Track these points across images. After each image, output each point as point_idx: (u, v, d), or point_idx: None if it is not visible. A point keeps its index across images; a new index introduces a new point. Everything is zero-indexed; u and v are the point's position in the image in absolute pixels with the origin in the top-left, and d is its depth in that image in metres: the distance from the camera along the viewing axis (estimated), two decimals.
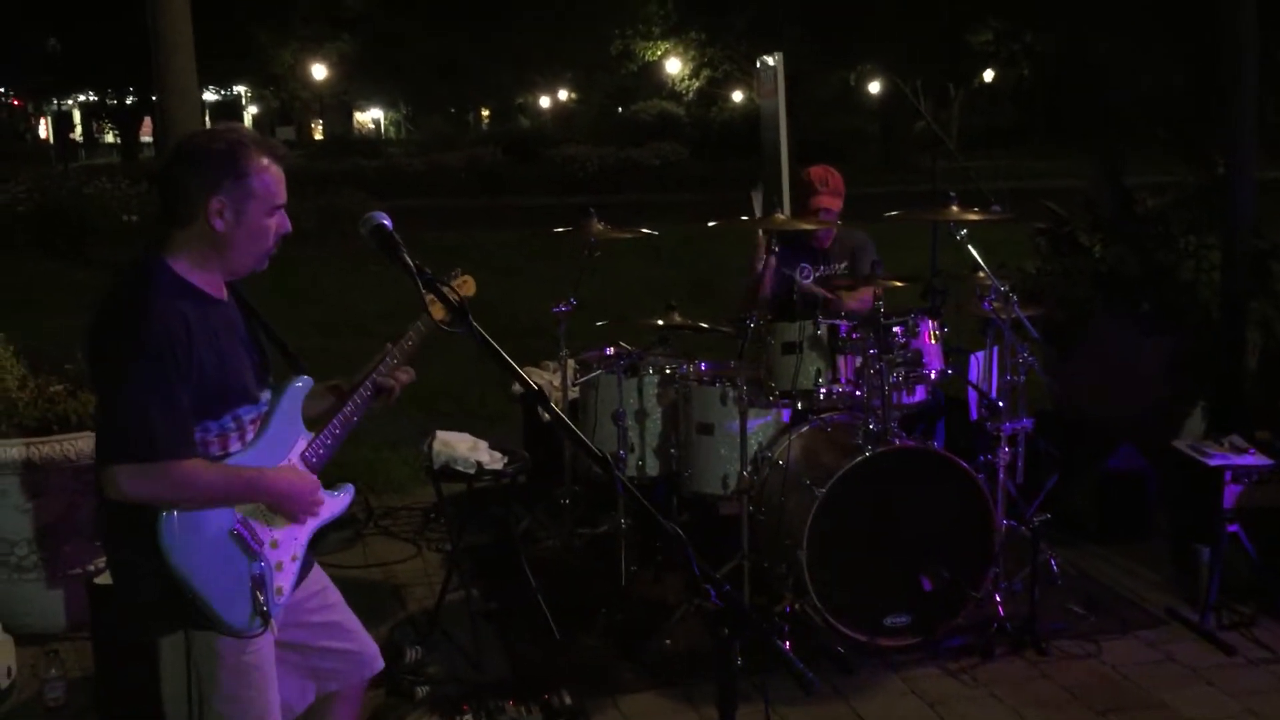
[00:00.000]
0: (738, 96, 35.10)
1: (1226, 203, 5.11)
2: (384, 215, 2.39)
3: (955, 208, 4.29)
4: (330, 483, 2.70)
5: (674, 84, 35.62)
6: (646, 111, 33.92)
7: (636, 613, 4.34)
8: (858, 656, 4.07)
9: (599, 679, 3.96)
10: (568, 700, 3.68)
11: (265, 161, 2.49)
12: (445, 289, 2.27)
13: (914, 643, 4.15)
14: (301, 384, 2.64)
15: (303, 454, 2.61)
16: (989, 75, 38.35)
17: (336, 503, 2.71)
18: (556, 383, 5.16)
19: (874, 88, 36.37)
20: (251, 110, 45.43)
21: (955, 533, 4.17)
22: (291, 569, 2.58)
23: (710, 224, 5.23)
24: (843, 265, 5.11)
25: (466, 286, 3.08)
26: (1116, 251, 5.55)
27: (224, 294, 2.57)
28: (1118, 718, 3.75)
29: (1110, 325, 5.64)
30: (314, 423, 2.68)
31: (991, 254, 4.54)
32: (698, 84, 35.34)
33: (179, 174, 2.48)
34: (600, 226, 4.84)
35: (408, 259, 2.31)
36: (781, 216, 4.54)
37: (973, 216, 4.30)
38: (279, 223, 2.54)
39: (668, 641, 4.13)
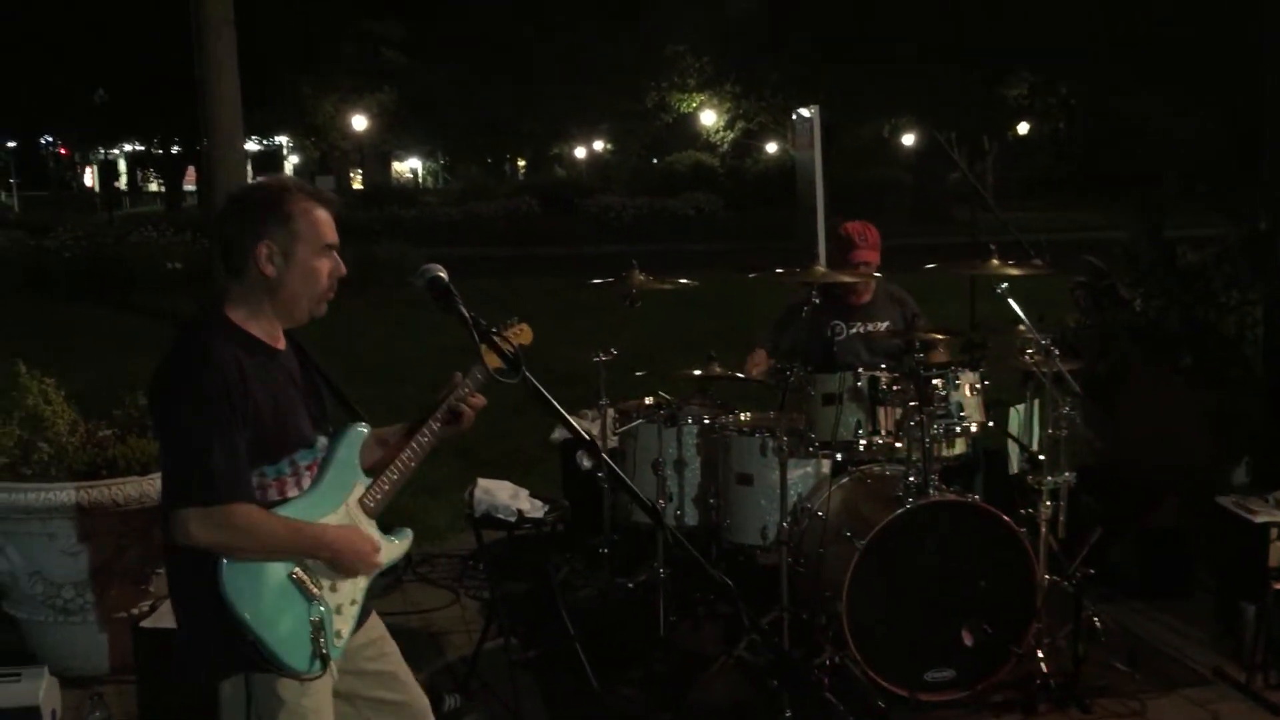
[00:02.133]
0: (772, 148, 35.34)
1: (1269, 257, 5.10)
2: (439, 267, 2.44)
3: (995, 260, 4.31)
4: (385, 527, 2.73)
5: (709, 135, 35.92)
6: (681, 162, 34.21)
7: (675, 663, 4.33)
8: (898, 711, 4.04)
9: None
10: None
11: (310, 204, 2.55)
12: (499, 339, 2.31)
13: (956, 698, 4.11)
14: (359, 431, 2.69)
15: (360, 500, 2.65)
16: (1024, 128, 38.43)
17: (396, 549, 2.75)
18: (596, 432, 5.19)
19: (908, 139, 36.50)
20: (293, 160, 46.17)
21: (997, 587, 4.15)
22: (351, 612, 2.62)
23: (751, 275, 5.26)
24: (884, 324, 5.11)
25: (523, 335, 3.10)
26: (1158, 305, 5.54)
27: (282, 343, 2.62)
28: None
29: (1151, 380, 5.61)
30: (371, 469, 2.71)
31: (1030, 306, 4.54)
32: (733, 135, 35.61)
33: (228, 225, 2.56)
34: (642, 277, 4.88)
35: (464, 310, 2.35)
36: (821, 269, 4.57)
37: (1013, 270, 4.31)
38: (332, 265, 2.59)
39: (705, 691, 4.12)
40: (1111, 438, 5.68)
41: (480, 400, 2.78)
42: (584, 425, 5.69)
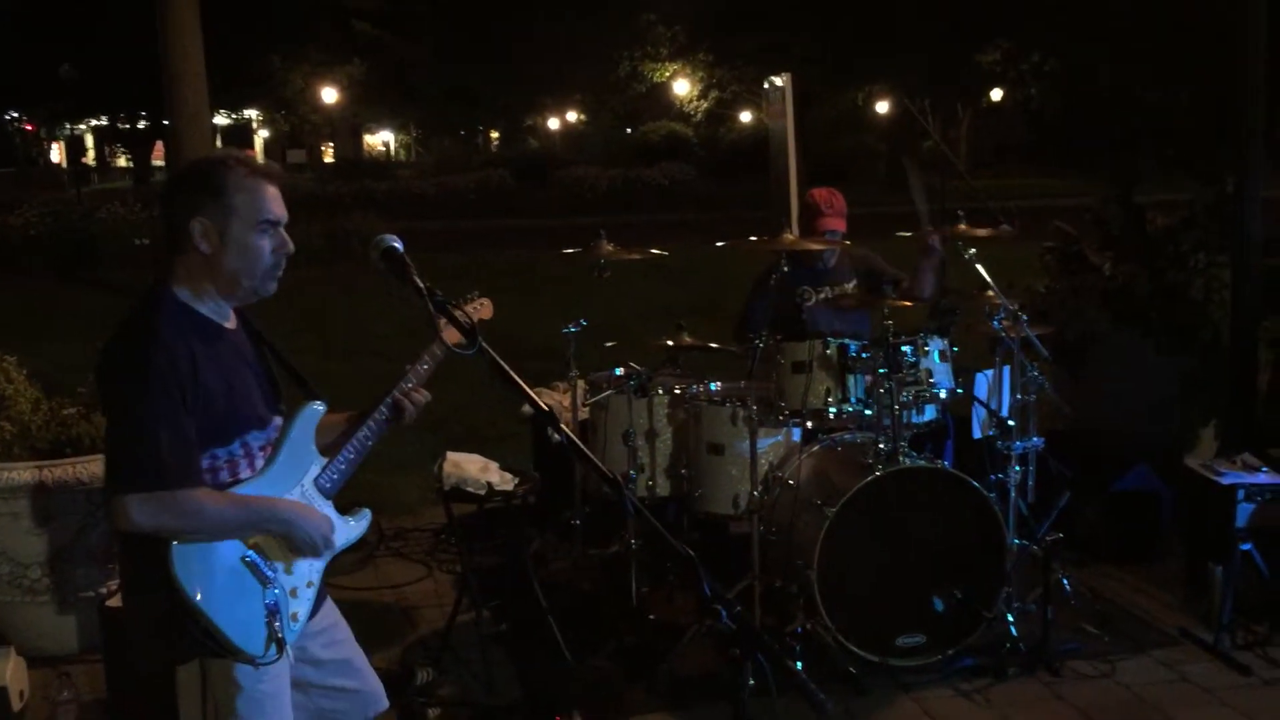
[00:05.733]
0: (746, 117, 35.23)
1: (1236, 221, 5.11)
2: (395, 238, 2.40)
3: (963, 226, 4.30)
4: (344, 507, 2.70)
5: (682, 105, 35.77)
6: (655, 132, 34.07)
7: (648, 634, 4.33)
8: (870, 677, 4.06)
9: (610, 701, 3.95)
10: None
11: (249, 178, 2.45)
12: (457, 312, 2.27)
13: (927, 663, 4.13)
14: (313, 410, 2.63)
15: (316, 479, 2.61)
16: (997, 95, 38.43)
17: (353, 529, 2.70)
18: (566, 403, 5.17)
19: (882, 107, 36.45)
20: (263, 134, 45.70)
21: (967, 552, 4.16)
22: (307, 595, 2.58)
23: (719, 244, 5.24)
24: (851, 284, 5.12)
25: (484, 309, 3.07)
26: (1126, 270, 5.55)
27: (231, 322, 2.56)
28: None
29: (1121, 344, 5.63)
30: (328, 449, 2.67)
31: (1001, 273, 4.54)
32: (706, 105, 35.49)
33: (166, 201, 2.49)
34: (610, 247, 4.85)
35: (419, 282, 2.31)
36: (790, 236, 4.55)
37: (981, 234, 4.30)
38: (277, 242, 2.50)
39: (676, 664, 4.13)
40: (1081, 402, 5.70)
41: (423, 396, 2.72)
42: (556, 397, 5.69)
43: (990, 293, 4.42)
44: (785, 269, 4.61)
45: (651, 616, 4.47)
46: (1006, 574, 4.20)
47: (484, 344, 2.18)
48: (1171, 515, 5.09)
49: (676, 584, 4.72)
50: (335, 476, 2.63)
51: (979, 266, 4.31)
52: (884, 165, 32.75)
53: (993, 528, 4.17)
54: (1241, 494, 4.44)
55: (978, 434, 4.76)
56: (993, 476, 4.40)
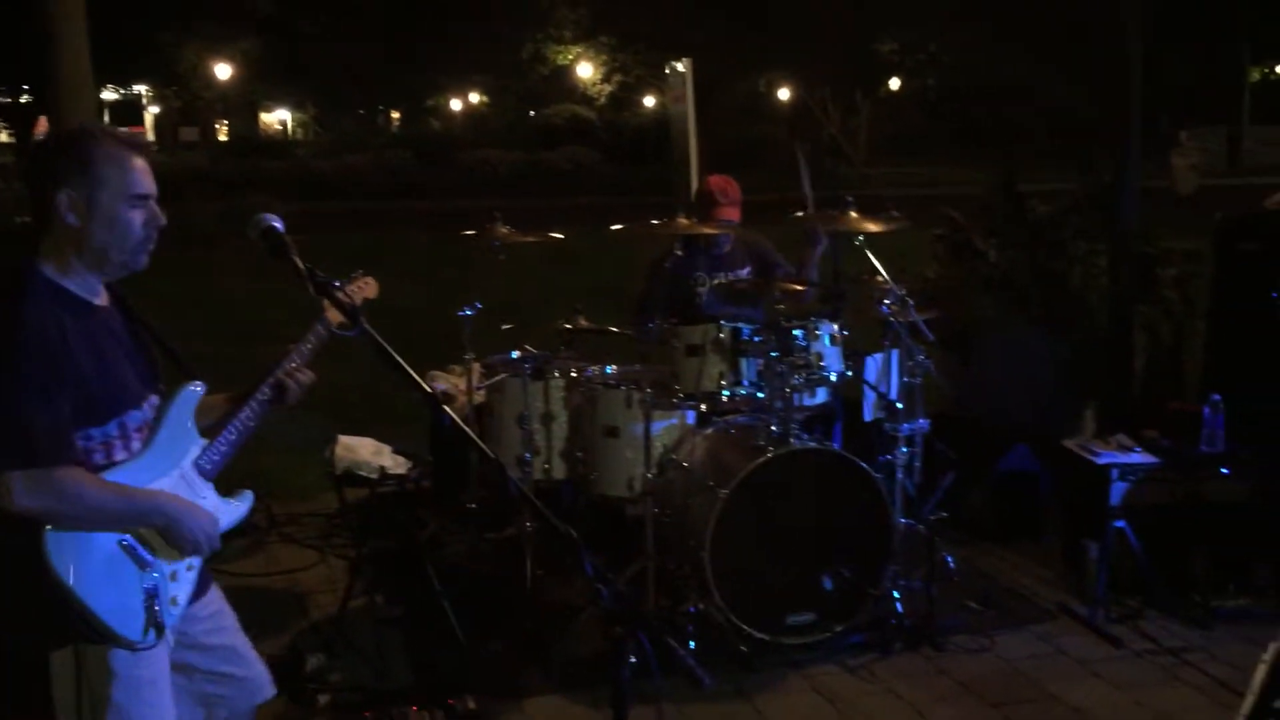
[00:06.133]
0: (650, 102, 35.28)
1: (1113, 210, 5.29)
2: (275, 217, 2.36)
3: (853, 214, 4.38)
4: (230, 489, 2.65)
5: (586, 88, 35.67)
6: (558, 115, 33.93)
7: (542, 617, 4.34)
8: (761, 655, 4.13)
9: (504, 683, 3.95)
10: (472, 705, 3.67)
11: (115, 150, 2.39)
12: (340, 292, 2.25)
13: (816, 640, 4.22)
14: (191, 390, 2.57)
15: (196, 461, 2.56)
16: (896, 84, 39.10)
17: (234, 511, 2.65)
18: (463, 386, 5.15)
19: (784, 94, 36.84)
20: (153, 110, 44.33)
21: (855, 532, 4.26)
22: (187, 578, 2.53)
23: (615, 227, 5.26)
24: (746, 270, 5.18)
25: (368, 289, 3.03)
26: (1009, 257, 5.71)
27: (103, 298, 2.49)
28: (1010, 710, 3.86)
29: (1005, 329, 5.80)
30: (209, 430, 2.62)
31: (893, 260, 4.64)
32: (609, 89, 35.46)
33: (31, 174, 2.41)
34: (505, 230, 4.84)
35: (299, 262, 2.28)
36: (685, 221, 4.59)
37: (871, 225, 4.39)
38: (148, 215, 2.44)
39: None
40: (967, 385, 5.87)
41: (307, 376, 2.69)
42: (453, 380, 5.66)
43: (879, 278, 4.52)
44: (679, 254, 4.65)
45: (546, 599, 4.49)
46: (893, 553, 4.31)
47: (366, 325, 2.16)
48: (1051, 495, 5.26)
49: (572, 566, 4.73)
50: (216, 458, 2.58)
51: (869, 253, 4.40)
52: (784, 153, 33.04)
53: (879, 508, 4.27)
54: (1115, 473, 4.60)
55: (868, 416, 4.86)
56: (881, 458, 4.51)
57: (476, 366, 4.93)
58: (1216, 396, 4.69)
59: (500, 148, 30.64)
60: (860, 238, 4.37)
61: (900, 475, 4.46)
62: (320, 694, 3.82)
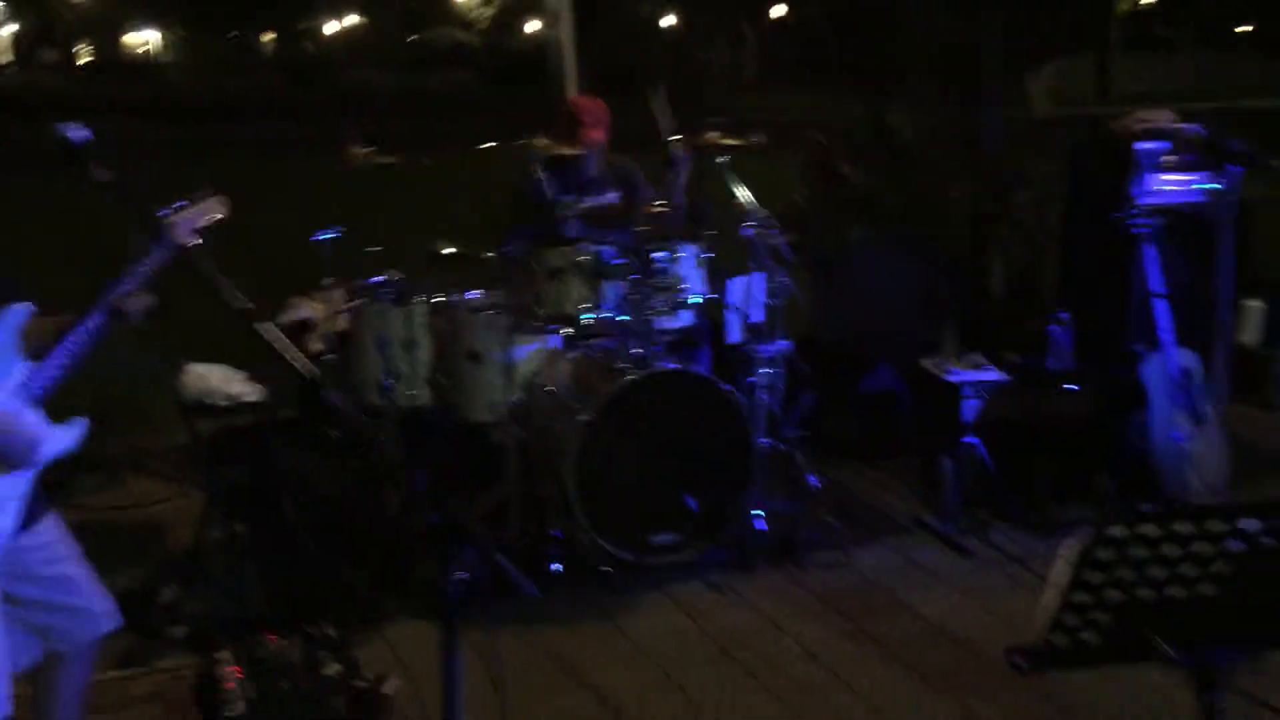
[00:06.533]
0: (534, 25, 34.65)
1: (973, 134, 5.40)
2: (79, 127, 2.23)
3: (712, 133, 4.37)
4: (67, 417, 2.55)
5: (467, 11, 34.86)
6: (438, 39, 33.15)
7: (402, 544, 4.31)
8: (626, 576, 4.18)
9: (363, 610, 3.93)
10: (330, 631, 3.63)
11: None
12: (179, 214, 2.14)
13: (681, 560, 4.28)
14: (15, 311, 2.46)
15: (22, 384, 2.45)
16: (782, 10, 39.04)
17: (63, 437, 2.56)
18: (323, 312, 5.04)
19: (668, 21, 36.52)
20: (8, 30, 41.93)
21: (718, 452, 4.31)
22: (11, 509, 2.44)
23: (480, 147, 5.16)
24: (613, 194, 5.14)
25: (216, 208, 2.88)
26: (873, 180, 5.79)
27: None
28: (867, 620, 3.98)
29: (869, 252, 5.89)
30: (39, 353, 2.51)
31: (763, 185, 4.65)
32: (490, 11, 34.72)
33: None
34: (366, 151, 4.72)
35: (107, 175, 2.16)
36: (543, 142, 4.53)
37: (732, 143, 4.39)
38: None
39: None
40: (833, 308, 5.96)
41: (145, 299, 2.59)
42: (313, 306, 5.53)
43: (742, 200, 4.53)
44: (540, 177, 4.59)
45: (408, 526, 4.45)
46: (755, 473, 4.38)
47: (191, 246, 2.08)
48: (912, 414, 5.40)
49: (437, 492, 4.70)
50: (45, 382, 2.48)
51: (732, 175, 4.40)
52: (671, 79, 32.85)
53: (741, 429, 4.33)
54: (968, 391, 4.74)
55: (732, 339, 4.90)
56: (746, 380, 4.56)
57: (339, 291, 4.82)
58: (1064, 315, 4.85)
59: (377, 70, 29.85)
60: (721, 159, 4.36)
61: (763, 396, 4.52)
62: (174, 626, 3.74)
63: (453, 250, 4.93)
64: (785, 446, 4.57)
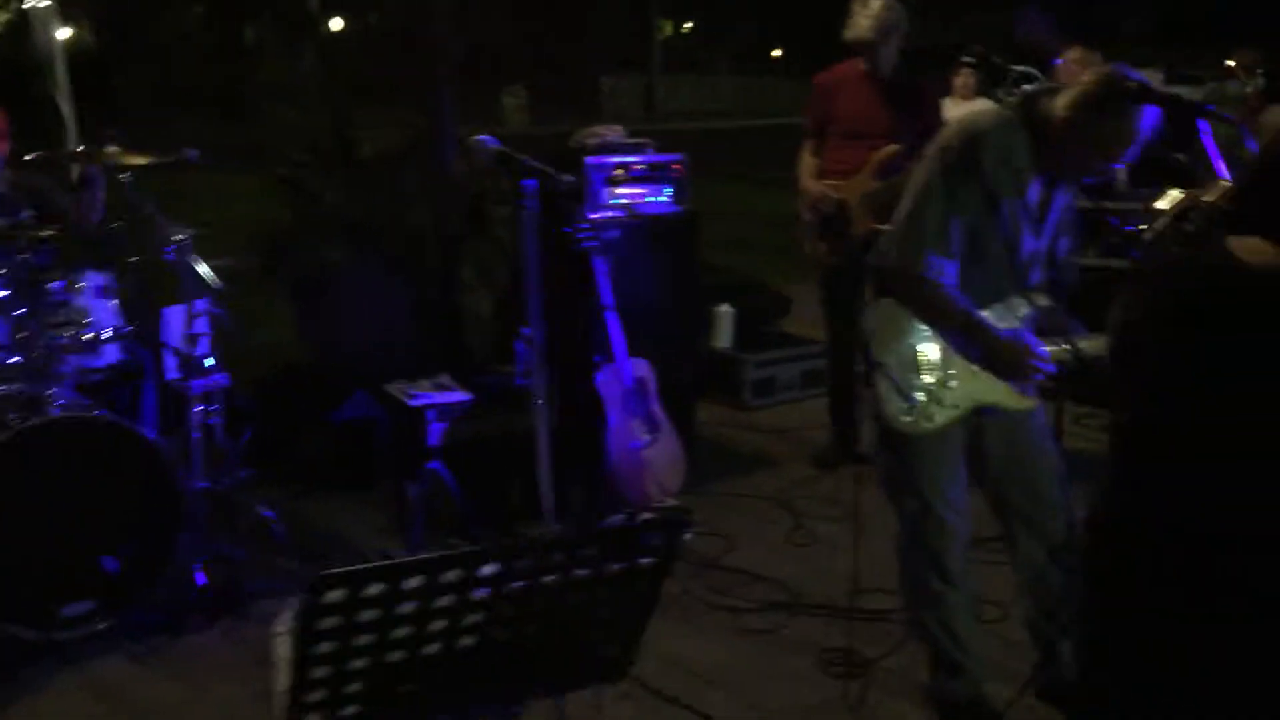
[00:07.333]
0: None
1: (433, 154, 5.28)
2: None
3: (115, 148, 3.92)
4: None
5: None
6: None
7: None
8: (35, 656, 3.62)
9: None
10: None
11: None
12: None
13: (98, 630, 3.77)
14: None
15: None
16: (339, 24, 38.09)
17: None
18: None
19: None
20: None
21: (139, 503, 3.85)
22: None
23: None
24: (25, 214, 4.51)
25: None
26: (342, 199, 5.54)
27: None
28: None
29: (348, 274, 5.61)
30: None
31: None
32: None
33: None
34: None
35: None
36: None
37: (138, 159, 3.95)
38: None
39: None
40: (314, 333, 5.65)
41: None
42: None
43: (163, 221, 4.09)
44: None
45: None
46: (185, 521, 3.96)
47: None
48: (388, 440, 5.18)
49: None
50: None
51: (135, 189, 3.95)
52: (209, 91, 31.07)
53: (164, 474, 3.89)
54: (432, 414, 4.58)
55: (171, 375, 4.45)
56: (184, 418, 4.12)
57: None
58: (526, 330, 4.80)
59: None
60: (125, 174, 3.91)
61: (195, 435, 4.11)
62: None
63: None
64: (228, 487, 4.18)
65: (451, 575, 1.60)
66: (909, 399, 3.04)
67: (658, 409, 4.77)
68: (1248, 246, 1.59)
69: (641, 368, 4.75)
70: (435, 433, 4.60)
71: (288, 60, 31.99)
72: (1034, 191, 2.96)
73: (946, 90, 7.77)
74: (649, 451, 4.71)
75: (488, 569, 1.62)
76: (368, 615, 1.55)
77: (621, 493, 4.69)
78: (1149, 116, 2.68)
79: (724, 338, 6.44)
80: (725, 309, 6.44)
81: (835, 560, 4.31)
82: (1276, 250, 1.57)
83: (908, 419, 3.05)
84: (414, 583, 1.57)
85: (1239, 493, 1.57)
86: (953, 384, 3.08)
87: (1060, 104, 2.81)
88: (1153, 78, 2.81)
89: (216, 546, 4.15)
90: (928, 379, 3.06)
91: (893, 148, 4.88)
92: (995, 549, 3.60)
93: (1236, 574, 1.60)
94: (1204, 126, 2.58)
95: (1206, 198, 2.45)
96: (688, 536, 4.73)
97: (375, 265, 5.58)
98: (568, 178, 3.22)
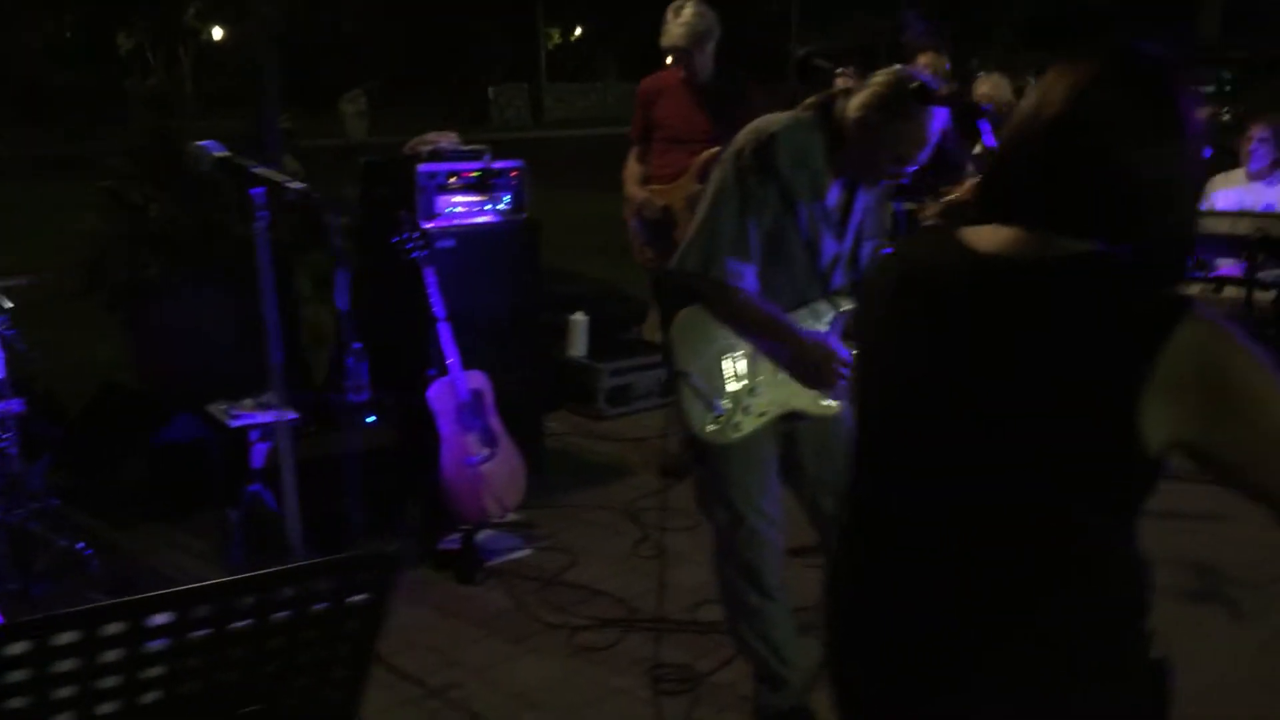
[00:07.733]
0: None
1: (262, 158, 5.06)
2: None
3: None
4: None
5: None
6: None
7: None
8: None
9: None
10: None
11: None
12: None
13: None
14: None
15: None
16: (219, 34, 37.23)
17: None
18: None
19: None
20: None
21: None
22: None
23: None
24: None
25: None
26: (168, 210, 5.28)
27: None
28: None
29: (175, 289, 5.35)
30: None
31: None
32: None
33: None
34: None
35: None
36: None
37: None
38: None
39: None
40: (139, 352, 5.38)
41: None
42: None
43: None
44: None
45: None
46: None
47: None
48: (215, 463, 4.95)
49: None
50: None
51: None
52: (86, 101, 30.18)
53: None
54: (255, 435, 4.39)
55: None
56: None
57: None
58: (357, 345, 4.62)
59: None
60: None
61: None
62: None
63: None
64: (21, 519, 3.93)
65: (113, 628, 1.44)
66: (715, 408, 2.95)
67: (496, 422, 4.63)
68: (980, 235, 1.60)
69: (478, 380, 4.60)
70: (259, 454, 4.41)
71: (165, 69, 31.19)
72: (833, 194, 2.90)
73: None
74: (486, 466, 4.57)
75: (159, 618, 1.47)
76: (15, 677, 1.39)
77: (458, 509, 4.54)
78: (939, 119, 2.64)
79: (578, 346, 6.32)
80: (579, 317, 6.32)
81: (681, 573, 4.22)
82: (1004, 234, 1.57)
83: (713, 428, 2.96)
84: (67, 638, 1.41)
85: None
86: (760, 391, 3.00)
87: (852, 105, 2.75)
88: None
89: (19, 582, 3.89)
90: (733, 387, 2.98)
91: (713, 150, 4.84)
92: (816, 560, 3.54)
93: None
94: (985, 127, 2.55)
95: (957, 195, 2.42)
96: (527, 552, 4.61)
97: (201, 279, 5.33)
98: (297, 185, 3.03)
